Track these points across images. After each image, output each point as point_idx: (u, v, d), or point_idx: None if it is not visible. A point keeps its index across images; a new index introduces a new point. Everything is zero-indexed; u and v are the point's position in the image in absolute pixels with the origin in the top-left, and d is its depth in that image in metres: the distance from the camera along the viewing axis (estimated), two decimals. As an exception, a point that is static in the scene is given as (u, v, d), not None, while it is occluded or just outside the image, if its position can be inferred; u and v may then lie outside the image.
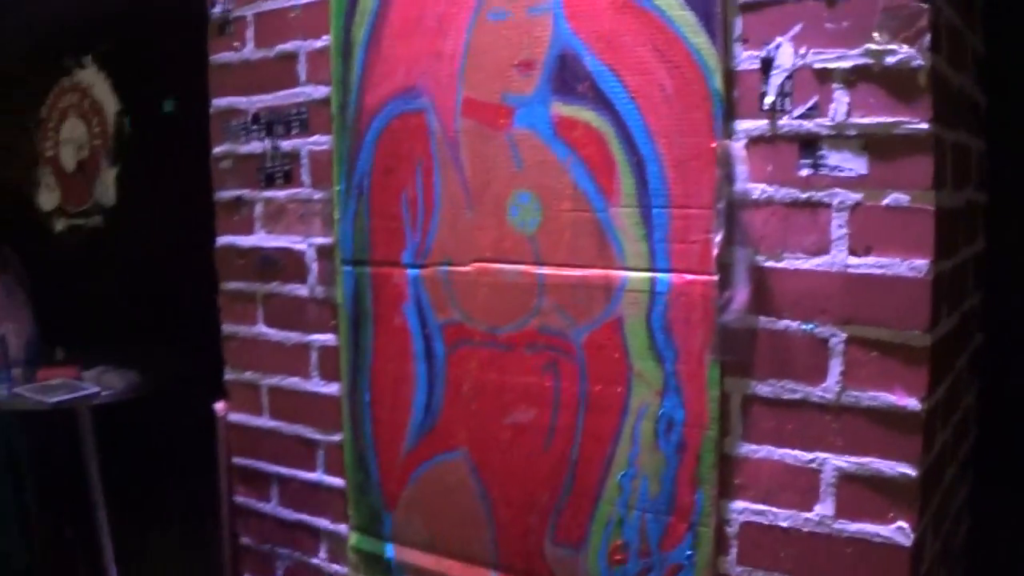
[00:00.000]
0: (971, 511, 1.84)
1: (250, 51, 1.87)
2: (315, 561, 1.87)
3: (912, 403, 1.24)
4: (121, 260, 2.99)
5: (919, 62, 1.20)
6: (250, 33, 1.87)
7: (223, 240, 1.96)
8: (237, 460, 1.99)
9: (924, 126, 1.20)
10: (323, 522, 1.85)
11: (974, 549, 1.87)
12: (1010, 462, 1.84)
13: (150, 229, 2.86)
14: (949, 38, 1.33)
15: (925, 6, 1.20)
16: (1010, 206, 1.78)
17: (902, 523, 1.27)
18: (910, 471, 1.25)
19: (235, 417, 1.98)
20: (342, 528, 1.80)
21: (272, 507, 1.94)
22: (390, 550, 1.71)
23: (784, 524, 1.35)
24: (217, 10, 1.91)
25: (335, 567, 1.84)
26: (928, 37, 1.20)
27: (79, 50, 3.08)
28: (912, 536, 1.26)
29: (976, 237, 1.65)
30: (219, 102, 1.95)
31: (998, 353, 1.82)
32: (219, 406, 1.98)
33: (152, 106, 2.86)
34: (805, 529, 1.33)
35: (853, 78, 1.24)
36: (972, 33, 1.57)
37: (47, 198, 3.17)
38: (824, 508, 1.32)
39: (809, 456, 1.32)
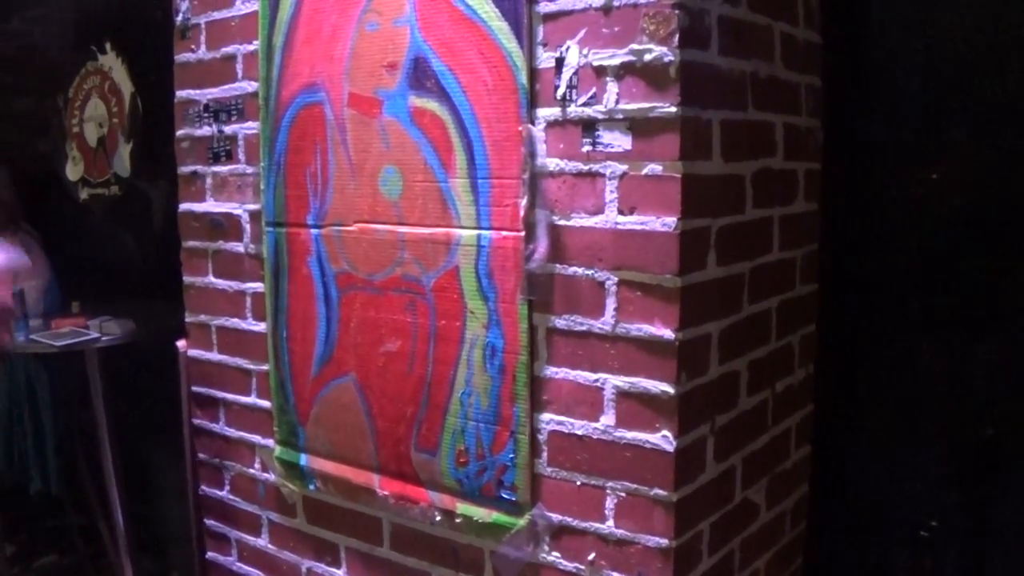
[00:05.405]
0: (811, 435, 2.13)
1: (203, 52, 2.22)
2: (251, 471, 2.24)
3: (668, 333, 1.53)
4: (134, 225, 3.36)
5: (670, 57, 1.47)
6: (203, 38, 2.21)
7: (184, 207, 2.32)
8: (195, 389, 2.35)
9: (672, 109, 1.47)
10: (256, 438, 2.21)
11: (816, 470, 2.16)
12: (852, 390, 2.13)
13: (158, 198, 3.27)
14: (726, 31, 1.57)
15: (676, 12, 1.47)
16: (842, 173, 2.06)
17: (666, 432, 1.55)
18: (670, 389, 1.53)
19: (193, 352, 2.34)
20: (270, 442, 2.16)
21: (220, 427, 2.30)
22: (304, 459, 2.08)
23: (579, 432, 1.64)
24: (179, 18, 2.26)
25: (265, 475, 2.20)
26: (677, 37, 1.47)
27: (102, 37, 3.35)
28: (675, 443, 1.55)
29: (792, 199, 1.93)
30: (180, 94, 2.29)
31: (835, 299, 2.11)
32: (181, 343, 2.35)
33: (161, 90, 3.23)
34: (594, 436, 1.62)
35: (621, 72, 1.52)
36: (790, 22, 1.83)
37: (73, 170, 3.46)
38: (607, 419, 1.60)
39: (594, 376, 1.61)
